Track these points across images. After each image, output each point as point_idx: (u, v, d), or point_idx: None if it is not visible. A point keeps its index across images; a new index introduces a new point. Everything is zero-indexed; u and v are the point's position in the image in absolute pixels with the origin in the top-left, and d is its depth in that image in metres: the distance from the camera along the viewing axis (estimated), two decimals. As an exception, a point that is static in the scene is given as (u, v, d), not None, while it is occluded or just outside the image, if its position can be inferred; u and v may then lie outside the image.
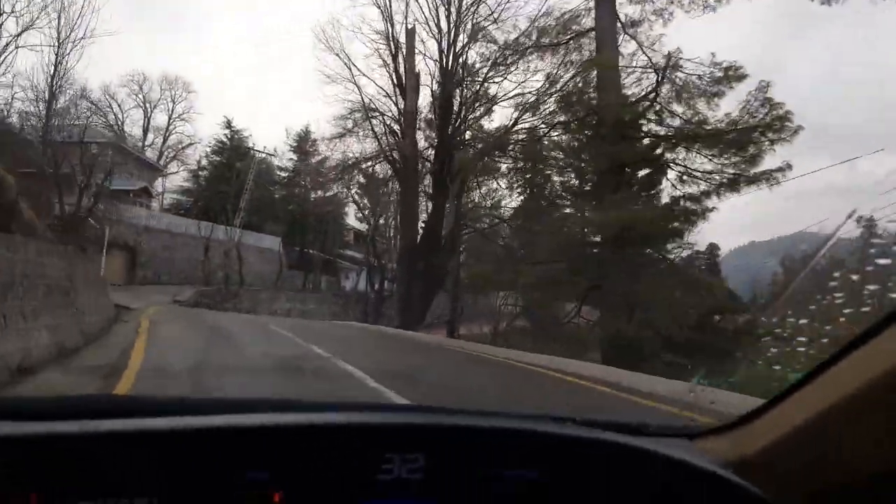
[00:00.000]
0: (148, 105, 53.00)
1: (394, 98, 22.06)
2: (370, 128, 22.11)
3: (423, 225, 21.96)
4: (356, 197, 33.12)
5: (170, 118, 52.21)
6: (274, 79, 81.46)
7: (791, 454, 1.05)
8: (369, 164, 22.14)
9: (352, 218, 56.72)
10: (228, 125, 46.50)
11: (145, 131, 53.42)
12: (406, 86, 21.33)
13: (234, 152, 43.37)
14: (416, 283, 20.24)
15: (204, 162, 48.44)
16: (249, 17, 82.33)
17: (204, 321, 15.12)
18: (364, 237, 58.02)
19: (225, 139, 46.53)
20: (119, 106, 51.20)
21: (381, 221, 40.30)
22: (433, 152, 21.22)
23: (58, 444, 0.93)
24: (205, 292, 31.46)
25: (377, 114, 22.09)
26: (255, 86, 78.78)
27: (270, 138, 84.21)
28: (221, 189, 39.04)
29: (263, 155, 38.88)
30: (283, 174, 49.57)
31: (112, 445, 0.96)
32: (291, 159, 49.43)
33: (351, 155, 22.22)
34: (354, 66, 22.56)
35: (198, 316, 17.37)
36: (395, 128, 22.09)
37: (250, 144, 40.35)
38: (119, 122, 50.56)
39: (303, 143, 48.93)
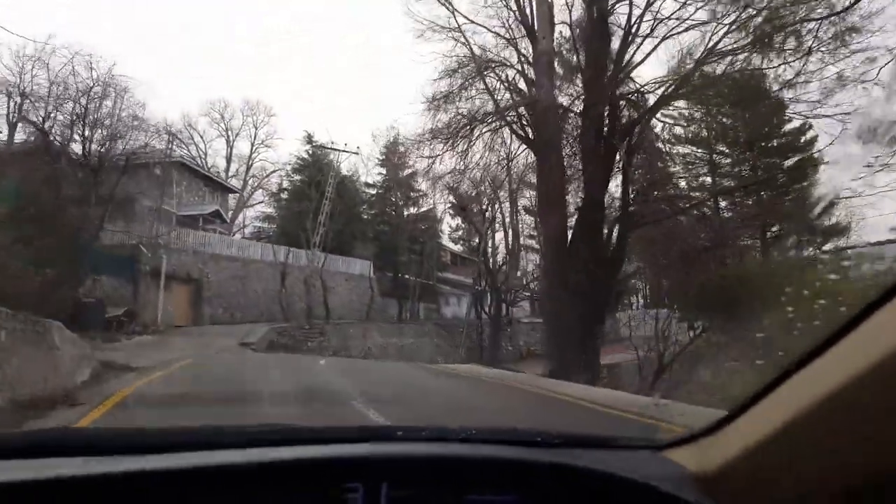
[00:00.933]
0: (230, 133, 50.20)
1: (514, 38, 15.14)
2: (484, 87, 15.21)
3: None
4: (456, 196, 26.10)
5: (252, 145, 49.05)
6: (353, 81, 76.48)
7: (760, 465, 1.00)
8: (491, 123, 15.07)
9: (447, 239, 50.87)
10: (309, 140, 41.65)
11: (228, 160, 50.70)
12: (536, 15, 14.35)
13: (315, 167, 38.26)
14: (573, 303, 12.88)
15: (285, 183, 44.09)
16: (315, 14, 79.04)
17: (235, 390, 8.42)
18: (464, 258, 51.55)
19: (306, 155, 41.77)
20: (201, 136, 48.58)
21: (487, 237, 33.40)
22: (581, 105, 13.87)
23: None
24: (283, 330, 25.54)
25: (494, 65, 15.19)
26: (333, 92, 74.16)
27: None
28: (303, 208, 33.65)
29: (345, 152, 32.61)
30: (371, 191, 44.14)
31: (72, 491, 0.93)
32: (380, 173, 43.95)
33: (463, 114, 15.28)
34: (457, 11, 15.81)
35: (237, 376, 10.84)
36: (520, 84, 15.14)
37: (331, 143, 34.13)
38: (203, 154, 47.72)
39: (391, 155, 43.34)
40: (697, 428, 1.20)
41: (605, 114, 13.51)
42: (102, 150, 21.55)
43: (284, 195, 42.95)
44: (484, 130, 15.17)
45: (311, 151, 41.29)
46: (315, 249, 29.71)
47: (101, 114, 21.51)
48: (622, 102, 13.72)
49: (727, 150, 26.97)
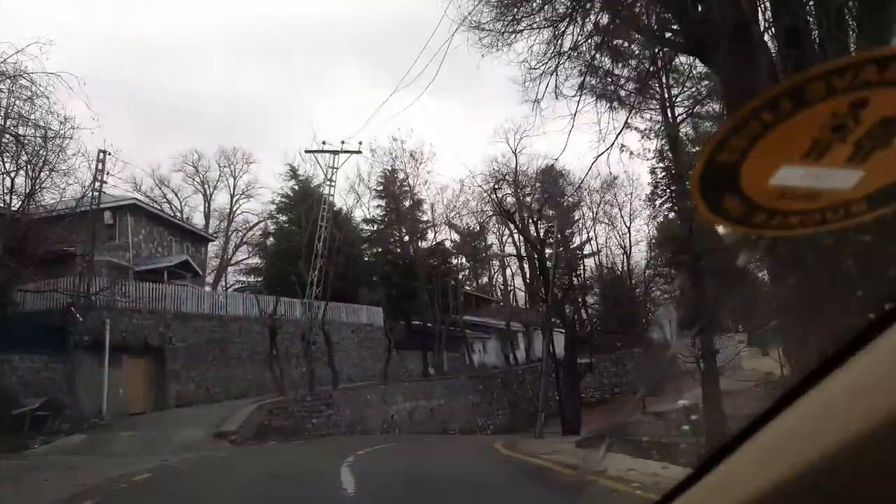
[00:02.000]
0: (206, 186, 44.56)
1: None
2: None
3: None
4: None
5: (232, 196, 43.41)
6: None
7: None
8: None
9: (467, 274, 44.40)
10: (294, 174, 35.88)
11: (207, 216, 44.81)
12: None
13: (304, 193, 32.41)
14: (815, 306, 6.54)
15: (271, 227, 38.16)
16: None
17: None
18: (479, 298, 45.07)
19: (291, 192, 35.93)
20: (175, 193, 43.04)
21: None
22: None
23: None
24: (277, 406, 18.81)
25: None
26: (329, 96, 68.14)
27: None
28: (294, 243, 27.38)
29: (345, 152, 25.97)
30: (373, 226, 38.18)
31: None
32: (379, 206, 38.02)
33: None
34: None
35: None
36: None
37: (324, 144, 27.48)
38: (177, 210, 41.75)
39: (390, 185, 37.49)
40: None
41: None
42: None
43: (270, 240, 36.87)
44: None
45: (297, 187, 35.47)
46: (314, 291, 23.13)
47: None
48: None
49: None
